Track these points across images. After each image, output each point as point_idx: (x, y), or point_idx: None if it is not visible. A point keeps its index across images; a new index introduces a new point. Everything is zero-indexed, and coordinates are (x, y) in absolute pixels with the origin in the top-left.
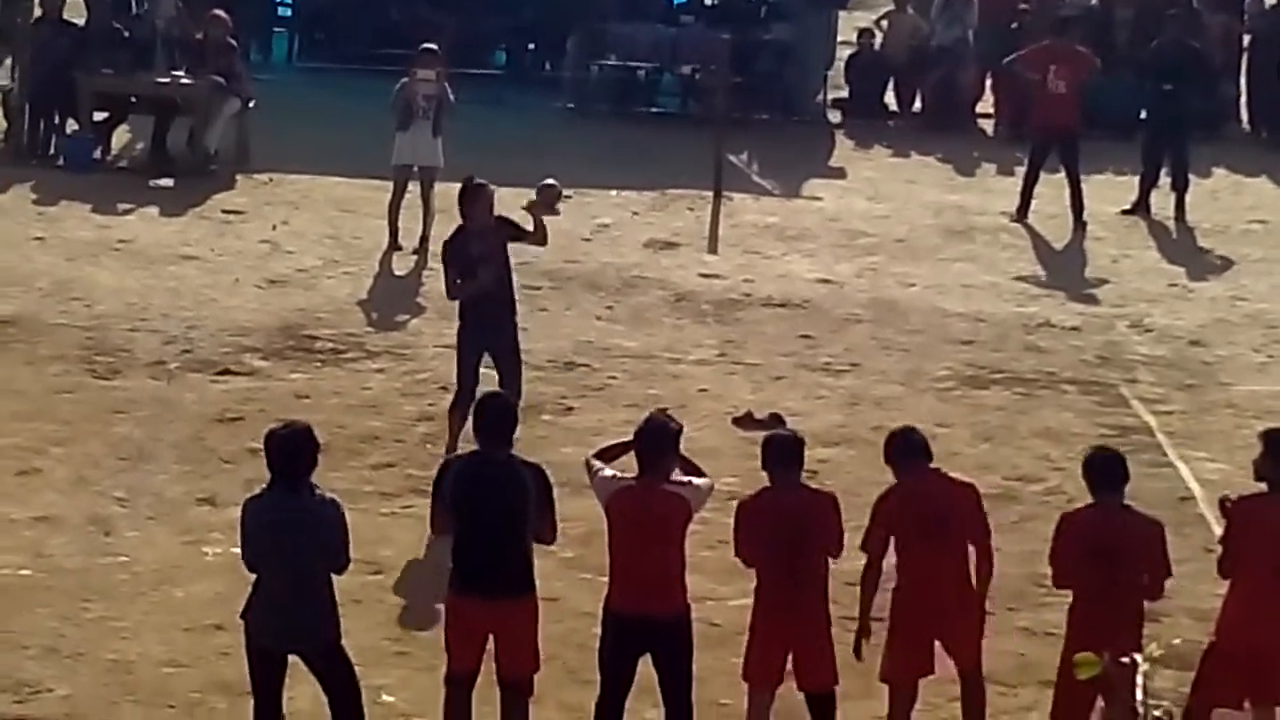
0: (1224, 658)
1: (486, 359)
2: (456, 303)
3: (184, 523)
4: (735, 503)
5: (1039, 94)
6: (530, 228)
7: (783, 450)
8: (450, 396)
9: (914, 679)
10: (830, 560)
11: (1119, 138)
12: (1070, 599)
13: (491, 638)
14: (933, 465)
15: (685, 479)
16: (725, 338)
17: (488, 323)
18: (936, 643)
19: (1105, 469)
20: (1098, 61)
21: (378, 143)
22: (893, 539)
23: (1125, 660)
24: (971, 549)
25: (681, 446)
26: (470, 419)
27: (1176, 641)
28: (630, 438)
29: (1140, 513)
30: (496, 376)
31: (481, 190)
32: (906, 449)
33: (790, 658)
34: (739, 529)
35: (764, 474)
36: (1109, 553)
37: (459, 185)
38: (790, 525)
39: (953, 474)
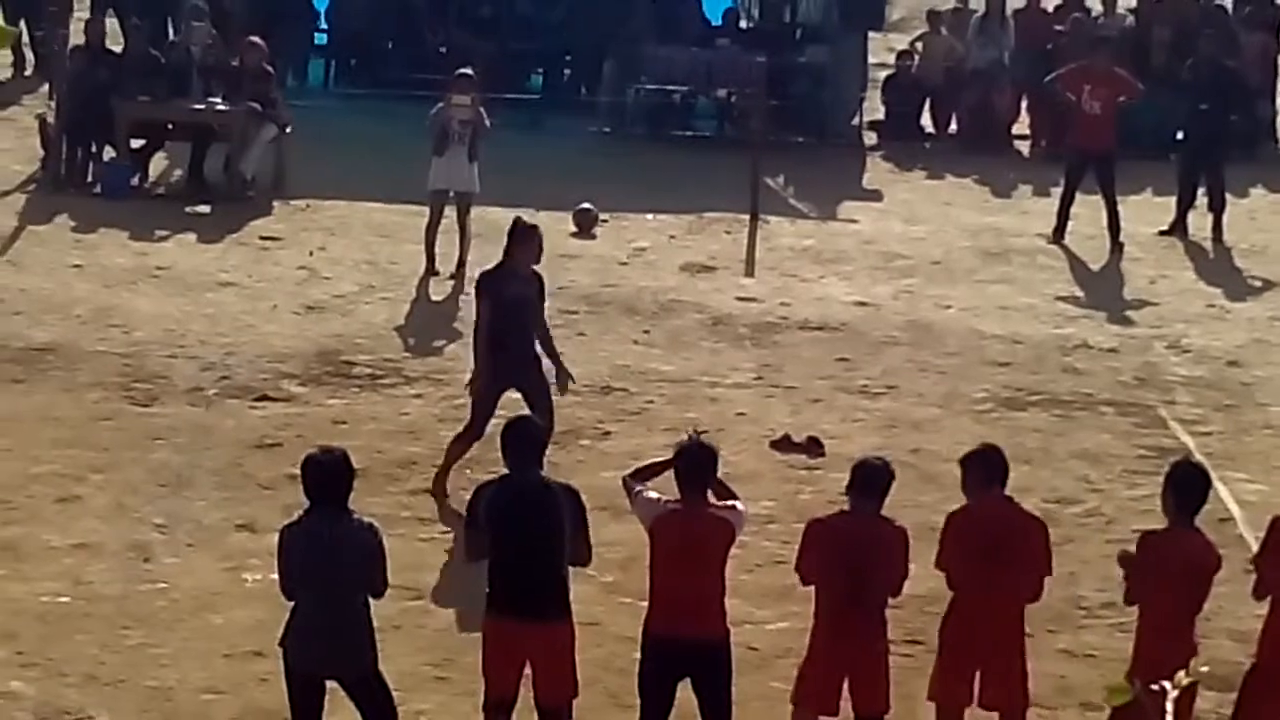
0: (1266, 678)
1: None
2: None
3: (223, 549)
4: (774, 527)
5: (1075, 115)
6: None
7: (869, 479)
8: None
9: (959, 707)
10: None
11: (1156, 158)
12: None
13: (529, 663)
14: (1006, 493)
15: (728, 502)
16: (762, 361)
17: (514, 354)
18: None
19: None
20: (1139, 85)
21: (414, 168)
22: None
23: (1156, 687)
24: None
25: (719, 470)
26: (500, 443)
27: (1205, 669)
28: (666, 457)
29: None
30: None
31: (533, 233)
32: (983, 470)
33: (846, 682)
34: (806, 546)
35: (802, 499)
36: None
37: (509, 220)
38: (858, 553)
39: (1025, 506)
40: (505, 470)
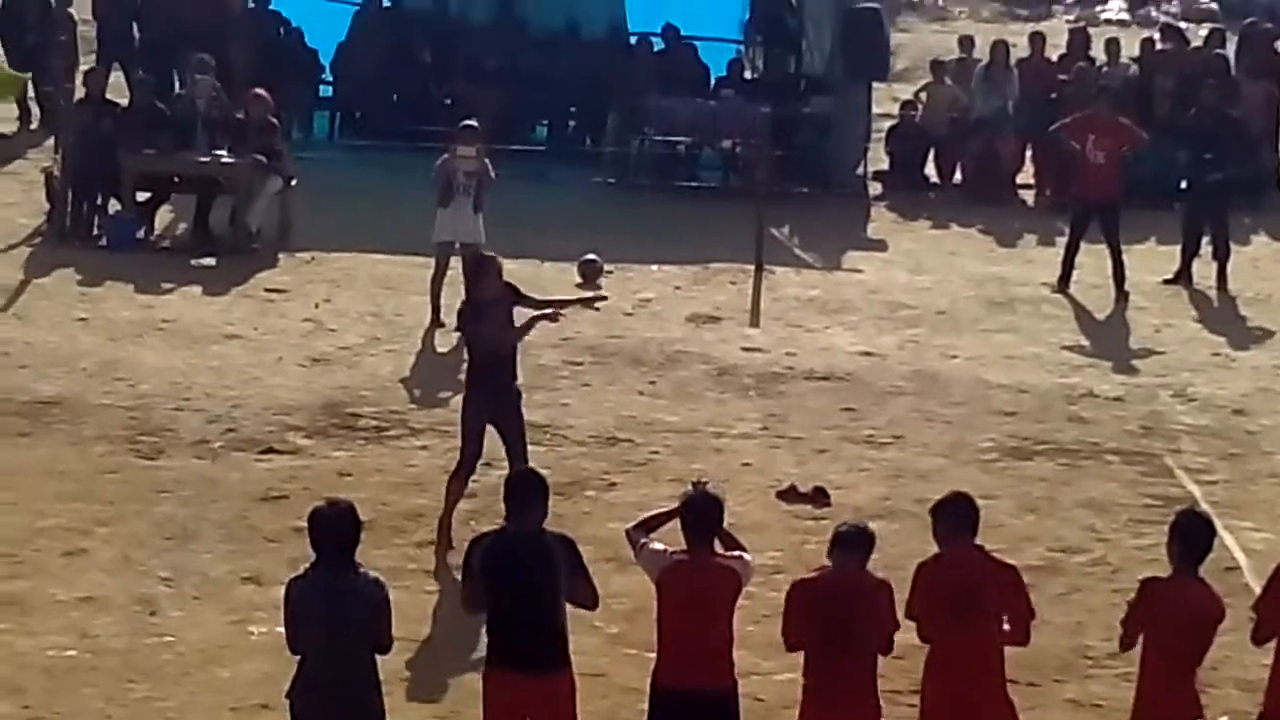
0: None
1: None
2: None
3: (229, 602)
4: (781, 577)
5: (1080, 164)
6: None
7: (848, 538)
8: (494, 470)
9: None
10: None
11: (1160, 207)
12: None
13: (530, 715)
14: (977, 541)
15: (735, 553)
16: (768, 411)
17: (493, 389)
18: None
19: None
20: (1143, 134)
21: (419, 220)
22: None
23: None
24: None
25: (725, 520)
26: (502, 494)
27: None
28: (669, 507)
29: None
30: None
31: (490, 263)
32: (954, 519)
33: None
34: (788, 610)
35: (808, 549)
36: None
37: (515, 271)
38: (841, 608)
39: (995, 554)
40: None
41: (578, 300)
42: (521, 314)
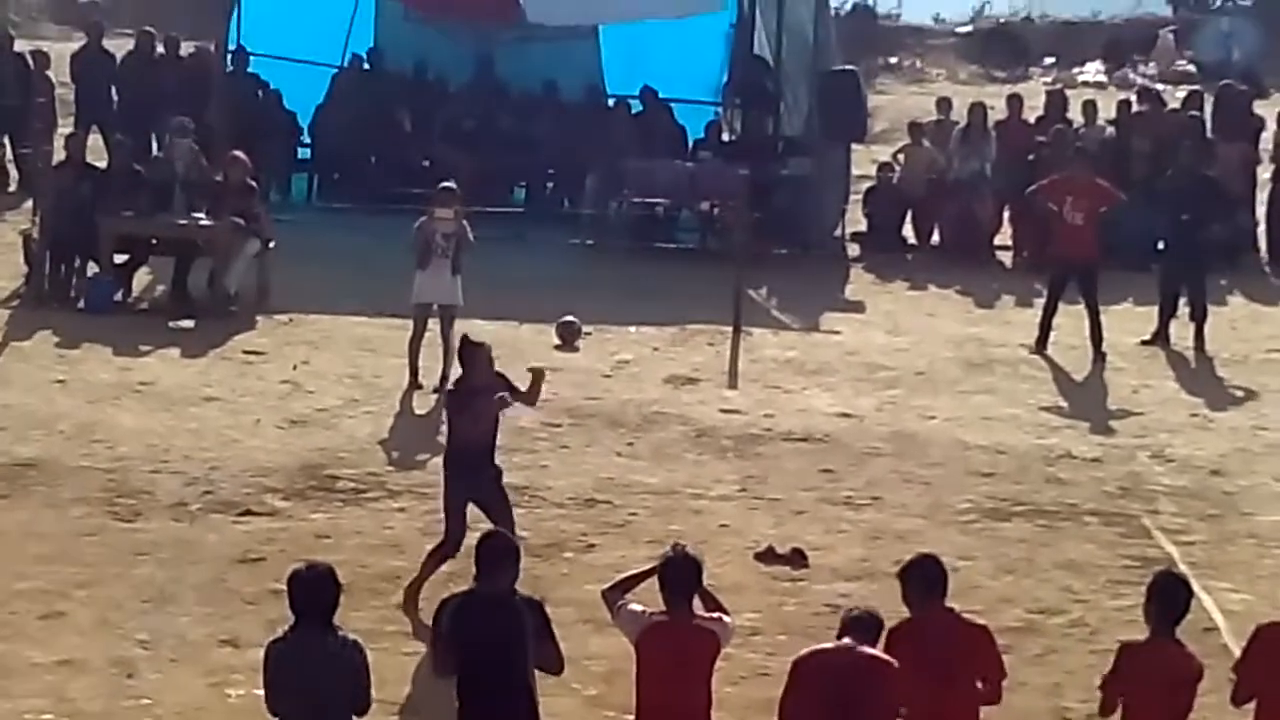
0: None
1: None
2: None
3: (207, 665)
4: (759, 638)
5: (1057, 225)
6: (525, 387)
7: (858, 625)
8: (475, 534)
9: None
10: None
11: (1137, 268)
12: None
13: None
14: (948, 604)
15: (714, 614)
16: (746, 473)
17: (470, 474)
18: None
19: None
20: (1121, 195)
21: (397, 282)
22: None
23: None
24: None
25: (704, 581)
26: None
27: None
28: (644, 568)
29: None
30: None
31: (479, 350)
32: (923, 583)
33: None
34: (789, 688)
35: (787, 610)
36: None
37: (493, 333)
38: (844, 687)
39: (965, 614)
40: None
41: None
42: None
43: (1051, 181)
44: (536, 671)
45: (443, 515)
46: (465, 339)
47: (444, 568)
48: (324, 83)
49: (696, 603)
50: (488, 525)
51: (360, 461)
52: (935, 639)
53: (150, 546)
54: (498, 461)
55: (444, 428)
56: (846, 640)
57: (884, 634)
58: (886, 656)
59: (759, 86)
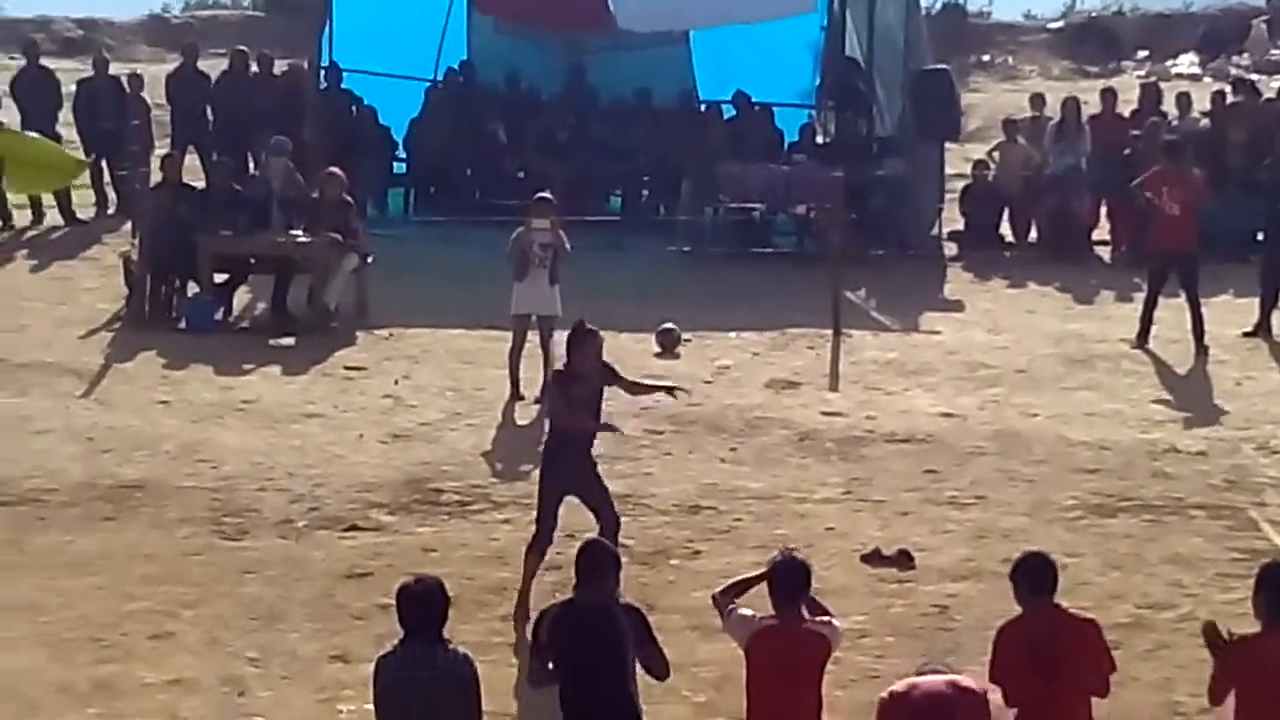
0: None
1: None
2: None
3: (317, 681)
4: (867, 640)
5: (1155, 218)
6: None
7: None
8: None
9: None
10: None
11: (1237, 260)
12: None
13: None
14: (1055, 601)
15: (824, 618)
16: (850, 475)
17: (569, 465)
18: None
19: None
20: (1202, 189)
21: (496, 293)
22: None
23: None
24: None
25: (811, 586)
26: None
27: None
28: (754, 572)
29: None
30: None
31: (592, 337)
32: (1032, 580)
33: None
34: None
35: (894, 612)
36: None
37: (579, 321)
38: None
39: (1073, 610)
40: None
41: (663, 388)
42: (610, 394)
43: (1148, 176)
44: (645, 677)
45: (535, 507)
46: (580, 323)
47: (549, 577)
48: (418, 97)
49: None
50: (591, 532)
51: (464, 474)
52: (1044, 635)
53: (257, 564)
54: (600, 469)
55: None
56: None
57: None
58: (978, 689)
59: (851, 88)
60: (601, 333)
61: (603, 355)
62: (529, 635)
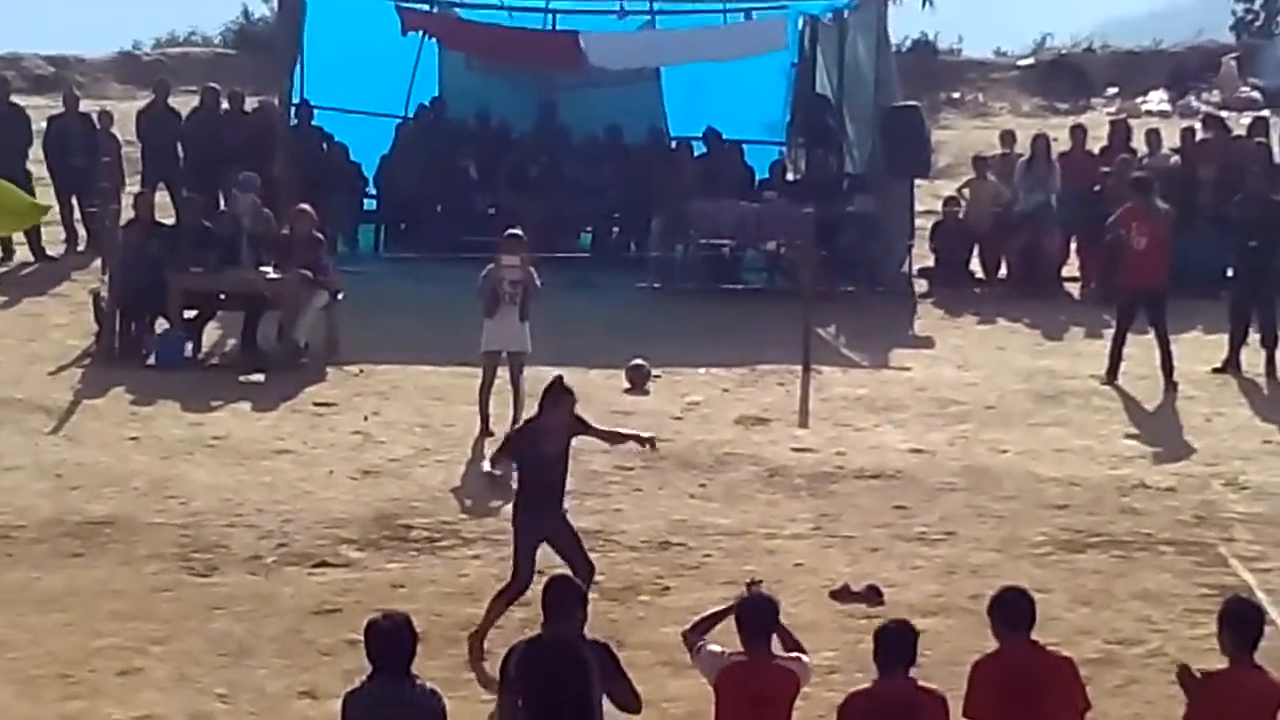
0: None
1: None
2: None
3: (286, 717)
4: (836, 676)
5: (1124, 254)
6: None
7: (891, 642)
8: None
9: None
10: None
11: (1207, 296)
12: None
13: None
14: (1032, 637)
15: (793, 654)
16: (820, 511)
17: (541, 515)
18: None
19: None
20: (1171, 223)
21: (466, 330)
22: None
23: None
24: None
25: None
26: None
27: None
28: (722, 607)
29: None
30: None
31: (568, 395)
32: (1011, 616)
33: None
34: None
35: (863, 648)
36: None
37: (550, 378)
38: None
39: (1050, 646)
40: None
41: (634, 438)
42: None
43: (1121, 211)
44: (619, 714)
45: (514, 557)
46: (559, 380)
47: (518, 614)
48: (388, 134)
49: (775, 642)
50: (559, 569)
51: (434, 510)
52: (1020, 671)
53: (226, 600)
54: (570, 505)
55: (514, 471)
56: (883, 672)
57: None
58: (936, 691)
59: (822, 125)
60: (574, 392)
61: (574, 409)
62: (498, 672)
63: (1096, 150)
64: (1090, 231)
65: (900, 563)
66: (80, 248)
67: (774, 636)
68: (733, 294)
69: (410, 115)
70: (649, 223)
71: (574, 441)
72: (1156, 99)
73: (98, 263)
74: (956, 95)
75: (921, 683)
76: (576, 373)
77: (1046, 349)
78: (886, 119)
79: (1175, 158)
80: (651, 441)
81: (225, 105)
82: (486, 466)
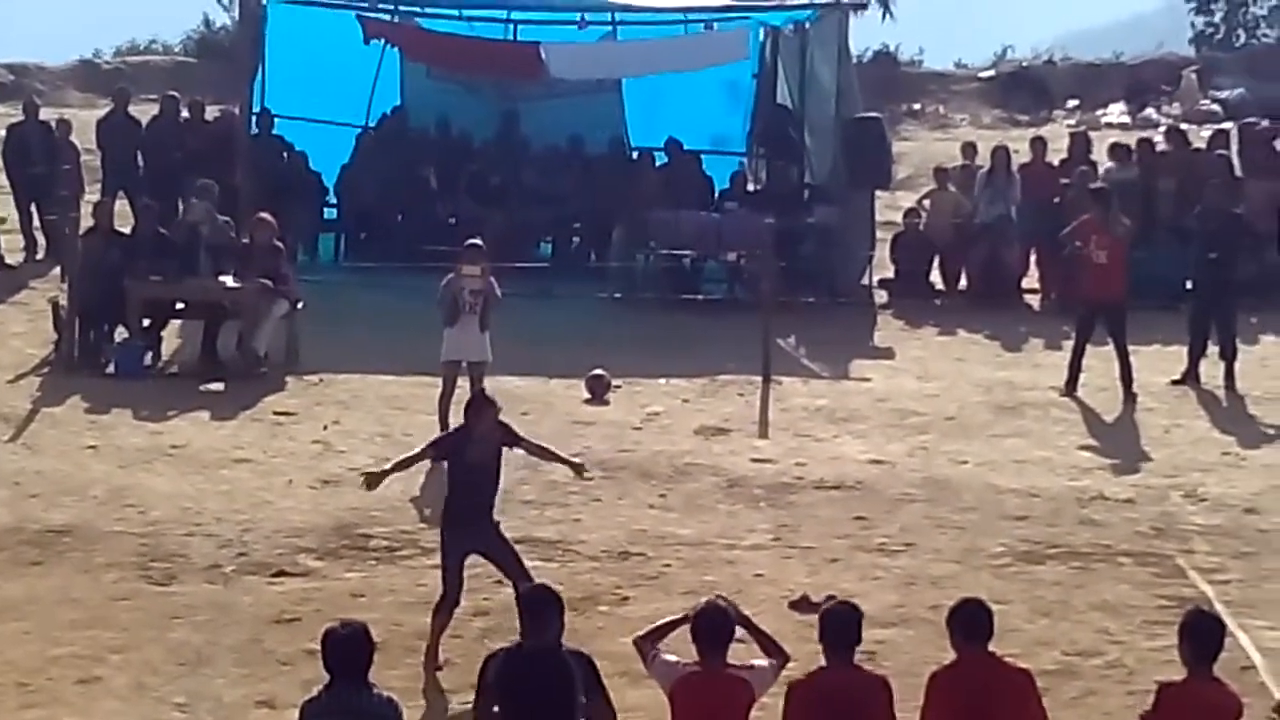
0: None
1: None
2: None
3: None
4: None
5: (1083, 266)
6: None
7: (837, 626)
8: (505, 588)
9: None
10: None
11: (1166, 308)
12: None
13: None
14: (990, 648)
15: (748, 663)
16: (779, 522)
17: (469, 526)
18: None
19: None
20: (1131, 232)
21: (426, 340)
22: None
23: None
24: None
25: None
26: (516, 610)
27: None
28: (677, 616)
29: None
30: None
31: (490, 407)
32: (969, 628)
33: None
34: (788, 712)
35: (824, 659)
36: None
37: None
38: (841, 707)
39: (1007, 658)
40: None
41: (566, 462)
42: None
43: (1079, 223)
44: None
45: (440, 571)
46: (481, 393)
47: (477, 623)
48: (349, 143)
49: (753, 646)
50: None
51: (393, 520)
52: (978, 683)
53: (185, 610)
54: (530, 515)
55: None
56: (831, 661)
57: (929, 678)
58: (879, 674)
59: (783, 135)
60: (497, 403)
61: (498, 417)
62: (476, 679)
63: (1056, 162)
64: (1050, 243)
65: (860, 573)
66: (39, 256)
67: (732, 645)
68: (693, 304)
69: (371, 124)
70: (610, 233)
71: (512, 453)
72: (1117, 111)
73: (57, 271)
74: (917, 107)
75: (864, 667)
76: (537, 382)
77: (1006, 360)
78: (848, 130)
79: (1135, 170)
80: (581, 469)
81: (185, 114)
82: (389, 465)
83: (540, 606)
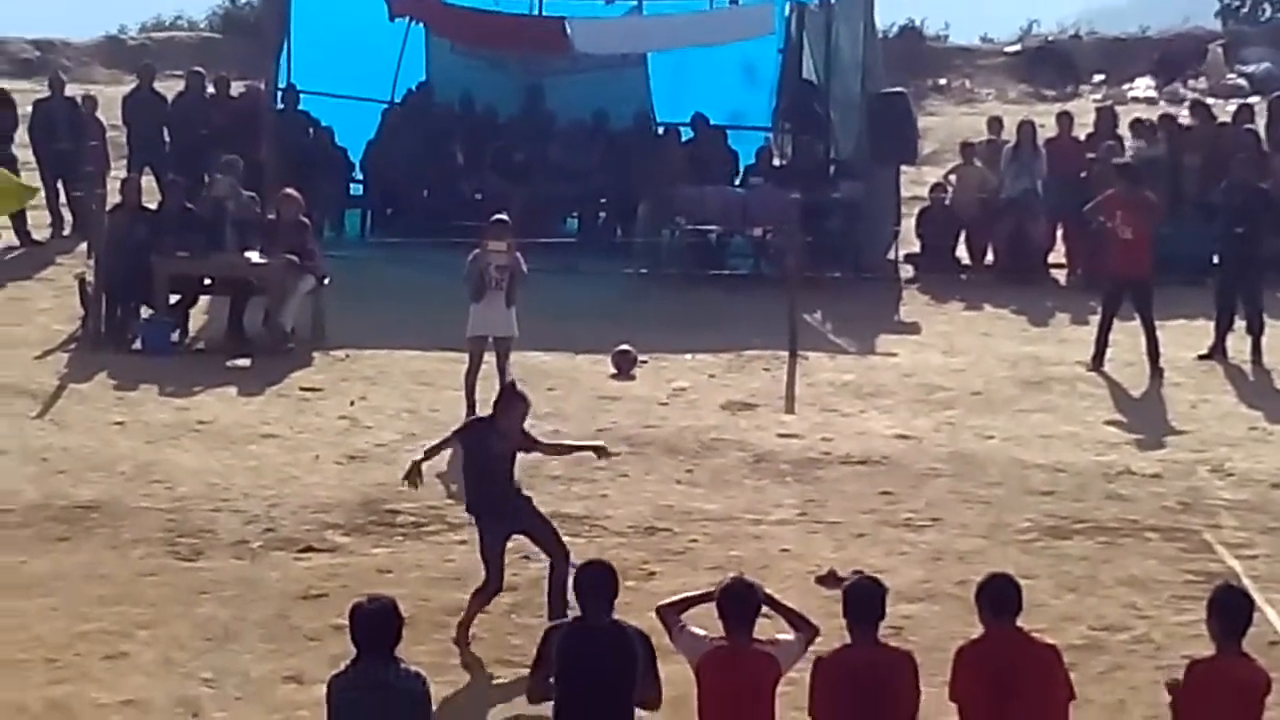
0: None
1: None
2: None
3: (271, 702)
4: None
5: (1109, 241)
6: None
7: (860, 602)
8: (533, 564)
9: None
10: None
11: (1192, 283)
12: None
13: None
14: (1018, 623)
15: (774, 637)
16: (806, 497)
17: (504, 510)
18: None
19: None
20: (1160, 208)
21: (452, 315)
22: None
23: None
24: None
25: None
26: (573, 589)
27: None
28: (702, 591)
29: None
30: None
31: (520, 403)
32: (998, 603)
33: None
34: (814, 688)
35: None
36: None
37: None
38: (866, 684)
39: (1034, 633)
40: (579, 615)
41: (587, 448)
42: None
43: (1102, 199)
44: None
45: (481, 560)
46: (512, 385)
47: (505, 598)
48: (374, 118)
49: (780, 621)
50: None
51: (420, 495)
52: (1005, 659)
53: (212, 585)
54: (557, 490)
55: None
56: (856, 637)
57: (956, 653)
58: (904, 650)
59: (809, 110)
60: (530, 400)
61: (524, 420)
62: (535, 651)
63: (1083, 137)
64: (1076, 218)
65: (886, 548)
66: (66, 232)
67: (759, 618)
68: (719, 280)
69: (397, 100)
70: (635, 208)
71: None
72: (1143, 86)
73: (83, 247)
74: (943, 82)
75: (890, 643)
76: (563, 357)
77: (1032, 335)
78: (873, 105)
79: (1161, 145)
80: (602, 450)
81: (211, 89)
82: (419, 456)
83: (600, 584)
